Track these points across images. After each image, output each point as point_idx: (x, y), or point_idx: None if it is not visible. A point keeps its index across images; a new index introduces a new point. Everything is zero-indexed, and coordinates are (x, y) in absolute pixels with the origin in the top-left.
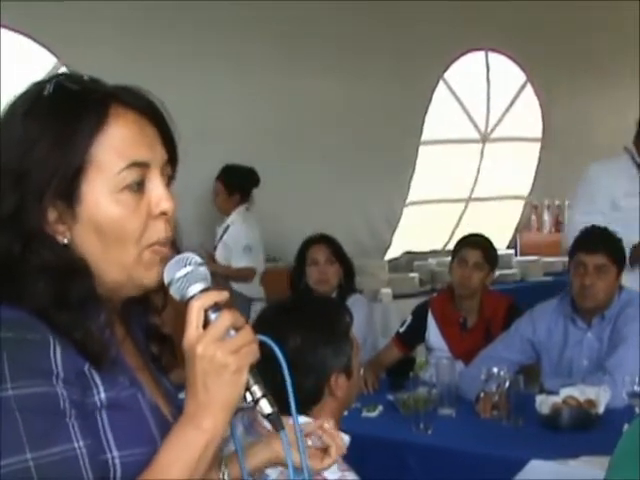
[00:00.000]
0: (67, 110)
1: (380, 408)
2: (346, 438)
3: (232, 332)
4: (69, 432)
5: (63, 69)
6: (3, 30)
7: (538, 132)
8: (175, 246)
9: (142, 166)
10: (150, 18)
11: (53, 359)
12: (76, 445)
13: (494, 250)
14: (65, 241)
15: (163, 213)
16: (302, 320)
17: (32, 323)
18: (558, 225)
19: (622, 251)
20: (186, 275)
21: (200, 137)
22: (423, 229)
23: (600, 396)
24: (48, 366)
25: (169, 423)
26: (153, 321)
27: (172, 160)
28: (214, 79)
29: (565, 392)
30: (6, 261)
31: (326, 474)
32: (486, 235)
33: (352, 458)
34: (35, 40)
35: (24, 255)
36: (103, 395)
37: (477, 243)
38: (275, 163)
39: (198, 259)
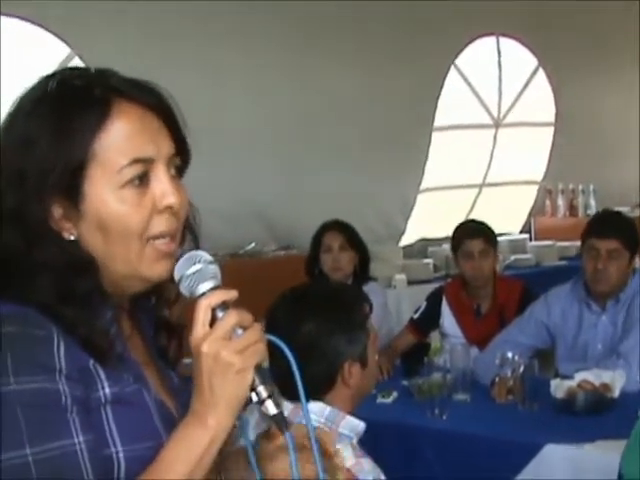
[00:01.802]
0: (69, 107)
1: (395, 394)
2: (361, 425)
3: (239, 331)
4: (69, 428)
5: (76, 59)
6: (16, 20)
7: (551, 117)
8: (194, 235)
9: (145, 162)
10: (164, 9)
11: (56, 355)
12: (76, 441)
13: (492, 231)
14: (71, 237)
15: (168, 207)
16: (318, 306)
17: (37, 318)
18: (572, 209)
19: (635, 235)
20: (195, 273)
21: (214, 130)
22: (437, 215)
23: (615, 380)
24: (51, 362)
25: (174, 418)
26: (163, 313)
27: (182, 152)
28: (227, 71)
29: (580, 376)
30: (12, 257)
31: (342, 460)
32: (478, 219)
33: (367, 444)
34: (48, 30)
35: (30, 251)
36: (108, 390)
37: (476, 231)
38: (289, 151)
39: (208, 257)
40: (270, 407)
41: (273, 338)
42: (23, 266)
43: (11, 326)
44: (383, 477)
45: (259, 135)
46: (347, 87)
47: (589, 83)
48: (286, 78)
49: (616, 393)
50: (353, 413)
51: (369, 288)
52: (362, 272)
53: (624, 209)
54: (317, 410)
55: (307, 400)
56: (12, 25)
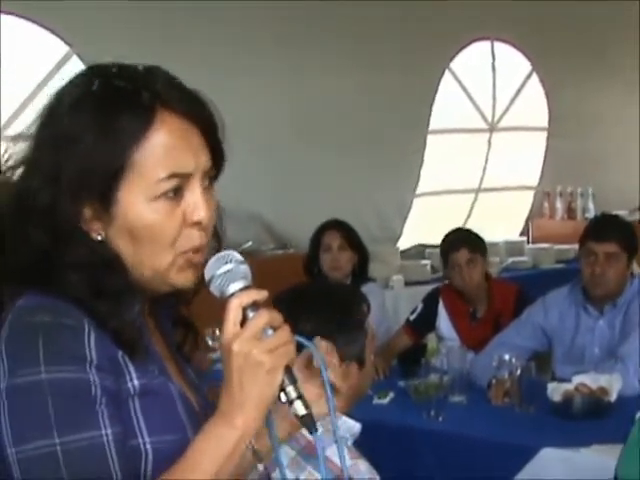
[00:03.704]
0: (113, 110)
1: (391, 395)
2: (357, 426)
3: (269, 331)
4: (98, 419)
5: (75, 58)
6: (15, 18)
7: (544, 121)
8: (218, 237)
9: (182, 177)
10: (164, 7)
11: (87, 345)
12: (104, 432)
13: (478, 238)
14: (100, 237)
15: (197, 223)
16: (316, 306)
17: (68, 309)
18: (571, 212)
19: (633, 239)
20: (226, 273)
21: None
22: (434, 221)
23: (612, 384)
24: (82, 352)
25: (197, 412)
26: (182, 311)
27: (217, 162)
28: (226, 71)
29: (577, 379)
30: (42, 254)
31: (337, 461)
32: (465, 228)
33: (363, 445)
34: (47, 28)
35: (58, 249)
36: (136, 382)
37: (459, 242)
38: (286, 152)
39: (239, 257)
40: (299, 408)
41: (302, 339)
42: (53, 262)
43: (42, 316)
44: (378, 478)
45: (257, 135)
46: (344, 89)
47: (582, 86)
48: (284, 80)
49: (613, 397)
50: (349, 414)
51: (368, 288)
52: (361, 272)
53: (622, 212)
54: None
55: (334, 405)
56: (11, 23)
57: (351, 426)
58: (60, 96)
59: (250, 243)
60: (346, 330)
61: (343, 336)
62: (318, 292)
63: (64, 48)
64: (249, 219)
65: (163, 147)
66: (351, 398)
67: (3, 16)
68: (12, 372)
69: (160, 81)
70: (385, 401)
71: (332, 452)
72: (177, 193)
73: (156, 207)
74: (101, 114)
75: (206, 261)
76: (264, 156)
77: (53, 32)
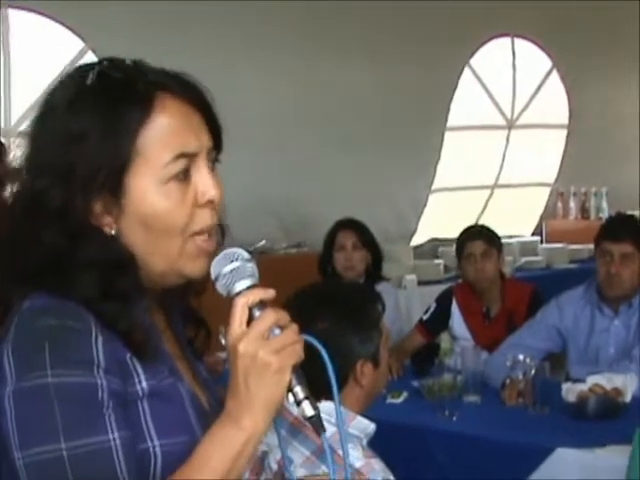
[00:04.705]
0: (112, 101)
1: (405, 394)
2: (372, 426)
3: (276, 331)
4: (105, 424)
5: (90, 54)
6: (30, 14)
7: (564, 118)
8: (222, 232)
9: (189, 157)
10: (178, 4)
11: (95, 348)
12: (111, 437)
13: (494, 234)
14: (112, 232)
15: (210, 201)
16: (332, 305)
17: (75, 311)
18: (584, 212)
19: None
20: (233, 271)
21: (226, 126)
22: (449, 216)
23: (627, 384)
24: (89, 355)
25: (207, 412)
26: (191, 304)
27: (216, 144)
28: (241, 68)
29: (592, 380)
30: (54, 254)
31: (352, 461)
32: (482, 224)
33: (377, 444)
34: (62, 24)
35: (72, 248)
36: (145, 384)
37: (477, 234)
38: (300, 148)
39: (246, 255)
40: (307, 408)
41: (310, 339)
42: (64, 262)
43: (49, 319)
44: (392, 478)
45: (271, 133)
46: (361, 86)
47: (604, 85)
48: (300, 77)
49: (628, 398)
50: (364, 414)
51: (381, 288)
52: (374, 272)
53: (637, 212)
54: (327, 410)
55: (328, 399)
56: (25, 19)
57: (365, 426)
58: (54, 94)
59: (264, 242)
60: (362, 329)
61: (358, 335)
62: (333, 291)
63: (79, 44)
64: (263, 218)
65: (166, 130)
66: (366, 397)
67: (18, 12)
68: (19, 376)
69: (150, 70)
70: (398, 401)
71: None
72: (186, 175)
73: (167, 191)
74: (102, 107)
75: (215, 254)
76: (278, 154)
77: (68, 28)
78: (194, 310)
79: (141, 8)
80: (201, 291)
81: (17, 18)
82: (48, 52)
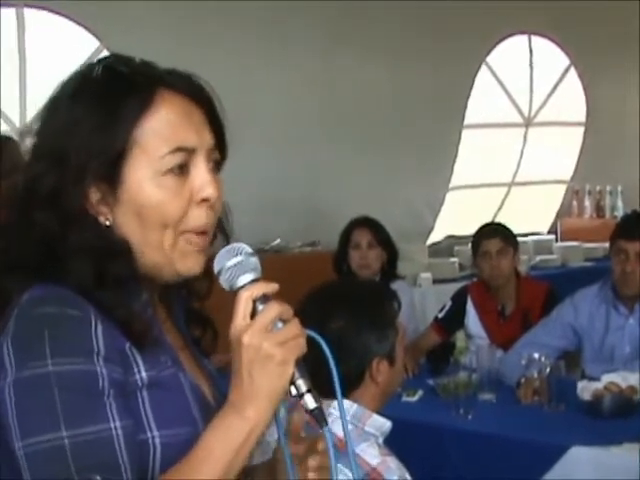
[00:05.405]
0: (113, 92)
1: (420, 393)
2: (387, 424)
3: (279, 324)
4: (106, 412)
5: (105, 52)
6: (45, 12)
7: (582, 116)
8: (225, 232)
9: (187, 151)
10: (194, 3)
11: (94, 336)
12: (112, 425)
13: (510, 232)
14: (107, 222)
15: (205, 200)
16: (348, 303)
17: (74, 300)
18: (599, 210)
19: None
20: (236, 265)
21: (241, 125)
22: (465, 213)
23: None
24: (89, 343)
25: (211, 405)
26: (194, 306)
27: (220, 146)
28: (257, 68)
29: (607, 378)
30: (48, 240)
31: (368, 458)
32: (498, 222)
33: (392, 443)
34: (78, 23)
35: (65, 235)
36: (144, 374)
37: (493, 231)
38: (316, 147)
39: (249, 249)
40: (309, 401)
41: (312, 333)
42: (59, 249)
43: (48, 307)
44: (408, 476)
45: (287, 131)
46: (377, 84)
47: (621, 82)
48: (316, 75)
49: None
50: (379, 412)
51: (397, 286)
52: (390, 270)
53: None
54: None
55: (342, 396)
56: (41, 18)
57: (381, 424)
58: (64, 85)
59: (279, 240)
60: (378, 327)
61: (374, 334)
62: (349, 290)
63: (94, 43)
64: (278, 216)
65: (165, 123)
66: (382, 395)
67: (33, 11)
68: (19, 366)
69: (158, 67)
70: (414, 399)
71: (360, 450)
72: (183, 170)
73: (163, 184)
74: (101, 97)
75: (214, 254)
76: (294, 152)
77: (83, 27)
78: (198, 311)
79: (156, 7)
80: (204, 297)
81: (33, 17)
82: (63, 51)
